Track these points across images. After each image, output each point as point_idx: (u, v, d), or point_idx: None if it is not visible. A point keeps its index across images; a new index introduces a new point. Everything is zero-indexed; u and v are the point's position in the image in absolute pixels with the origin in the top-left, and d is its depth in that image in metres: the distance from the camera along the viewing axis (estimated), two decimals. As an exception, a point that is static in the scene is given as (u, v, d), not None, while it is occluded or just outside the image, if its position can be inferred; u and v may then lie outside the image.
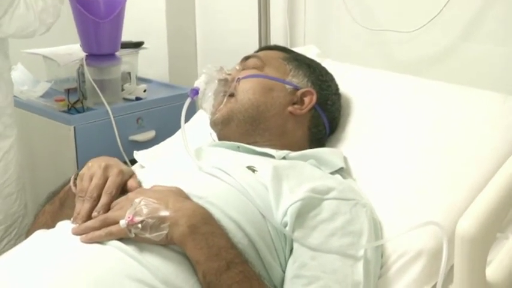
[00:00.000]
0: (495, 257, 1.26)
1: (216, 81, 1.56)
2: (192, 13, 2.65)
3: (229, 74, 1.61)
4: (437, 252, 1.26)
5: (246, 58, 1.67)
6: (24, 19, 1.87)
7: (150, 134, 2.16)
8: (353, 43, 2.13)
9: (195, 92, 1.54)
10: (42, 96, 2.29)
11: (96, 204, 1.28)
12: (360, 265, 1.22)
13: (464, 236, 1.09)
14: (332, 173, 1.46)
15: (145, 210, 1.17)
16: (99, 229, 1.20)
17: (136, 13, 2.42)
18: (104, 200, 1.27)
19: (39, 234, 1.31)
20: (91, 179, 1.30)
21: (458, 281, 1.12)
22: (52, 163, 2.28)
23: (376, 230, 1.35)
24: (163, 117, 2.26)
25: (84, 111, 2.15)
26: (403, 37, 1.99)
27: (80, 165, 2.10)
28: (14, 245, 1.70)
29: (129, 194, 1.28)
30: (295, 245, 1.25)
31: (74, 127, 2.11)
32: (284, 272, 1.26)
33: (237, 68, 1.64)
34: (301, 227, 1.26)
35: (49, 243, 1.26)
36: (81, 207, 1.27)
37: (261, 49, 1.80)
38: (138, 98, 2.29)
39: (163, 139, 1.88)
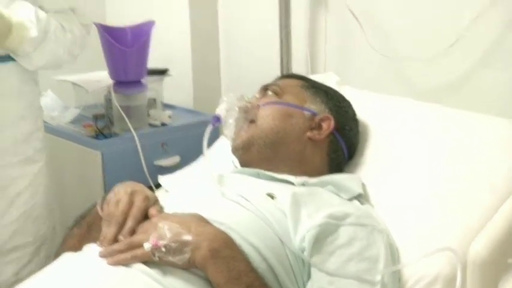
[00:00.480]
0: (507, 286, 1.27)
1: (237, 108, 1.60)
2: (216, 41, 2.69)
3: (249, 102, 1.64)
4: (453, 278, 1.27)
5: (266, 86, 1.71)
6: (54, 53, 1.91)
7: (175, 159, 2.19)
8: (372, 70, 2.14)
9: (217, 119, 1.58)
10: (71, 122, 2.33)
11: (122, 228, 1.31)
12: None
13: (476, 259, 1.12)
14: (350, 199, 1.48)
15: (168, 235, 1.19)
16: (124, 252, 1.23)
17: (161, 40, 2.44)
18: (129, 224, 1.30)
19: (67, 257, 1.35)
20: (117, 204, 1.34)
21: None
22: (80, 187, 2.31)
23: (393, 255, 1.36)
24: (188, 142, 2.26)
25: (111, 136, 2.19)
26: (421, 64, 2.00)
27: (107, 189, 2.13)
28: (43, 266, 1.69)
29: (153, 219, 1.31)
30: (313, 270, 1.27)
31: (102, 152, 2.16)
32: None
33: (257, 95, 1.68)
34: (319, 253, 1.28)
35: (76, 266, 1.30)
36: (108, 230, 1.31)
37: (280, 77, 1.83)
38: (163, 124, 2.32)
39: (187, 164, 1.91)
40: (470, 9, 1.81)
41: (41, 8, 1.84)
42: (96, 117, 2.25)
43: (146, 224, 1.31)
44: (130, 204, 1.35)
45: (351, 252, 1.29)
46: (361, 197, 1.51)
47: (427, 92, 2.01)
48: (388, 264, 1.33)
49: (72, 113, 2.36)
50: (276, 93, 1.65)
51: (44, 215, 1.96)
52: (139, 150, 2.13)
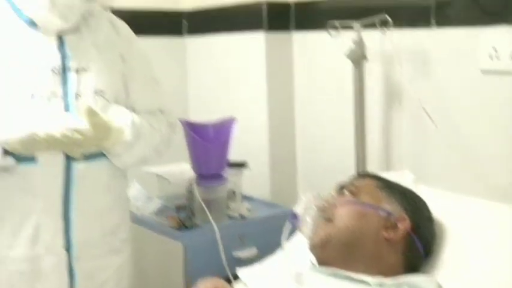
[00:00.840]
0: None
1: (314, 207, 1.64)
2: (292, 136, 2.73)
3: (326, 201, 1.67)
4: None
5: (342, 186, 1.74)
6: (144, 153, 2.01)
7: (252, 251, 2.18)
8: (447, 168, 2.14)
9: (294, 217, 1.65)
10: (154, 213, 2.38)
11: None
12: None
13: None
14: None
15: None
16: None
17: (241, 134, 2.46)
18: None
19: None
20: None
21: None
22: (161, 277, 2.33)
23: None
24: (265, 235, 2.27)
25: (192, 228, 2.24)
26: (497, 161, 1.97)
27: (187, 279, 2.21)
28: None
29: None
30: None
31: (183, 244, 2.20)
32: None
33: (334, 194, 1.71)
34: None
35: None
36: None
37: (355, 177, 1.86)
38: (241, 216, 2.35)
39: (264, 256, 1.93)
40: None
41: (133, 109, 1.96)
42: (178, 209, 2.32)
43: None
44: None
45: None
46: None
47: (505, 191, 1.95)
48: None
49: (156, 203, 2.41)
50: (352, 193, 1.68)
51: None
52: (219, 242, 2.15)
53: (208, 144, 2.31)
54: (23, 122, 1.78)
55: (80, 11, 1.90)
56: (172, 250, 2.24)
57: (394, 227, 1.62)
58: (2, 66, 1.83)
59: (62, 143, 1.78)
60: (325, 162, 2.60)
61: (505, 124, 1.98)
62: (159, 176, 2.47)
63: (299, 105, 2.74)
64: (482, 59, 1.99)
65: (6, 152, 1.77)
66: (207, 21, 3.01)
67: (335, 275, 1.55)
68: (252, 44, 2.73)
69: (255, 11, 2.68)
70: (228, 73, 2.88)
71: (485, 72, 1.99)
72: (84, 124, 1.82)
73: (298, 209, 1.66)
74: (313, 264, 1.66)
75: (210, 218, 2.21)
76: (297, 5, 2.69)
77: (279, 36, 2.69)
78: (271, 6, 2.65)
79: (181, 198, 2.39)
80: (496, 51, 1.96)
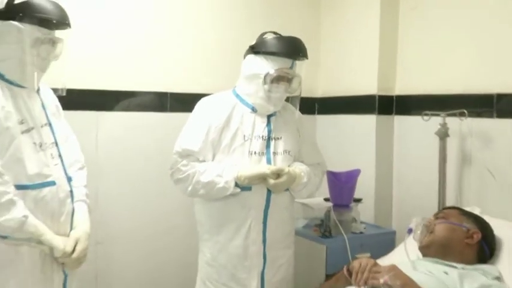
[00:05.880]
0: None
1: (422, 224, 1.90)
2: (390, 179, 2.84)
3: (429, 221, 1.91)
4: None
5: (437, 214, 1.99)
6: (310, 190, 2.18)
7: (367, 255, 2.30)
8: (500, 205, 2.25)
9: (410, 230, 1.93)
10: (304, 227, 2.60)
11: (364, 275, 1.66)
12: None
13: None
14: (492, 279, 1.70)
15: (392, 279, 1.57)
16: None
17: (359, 180, 2.60)
18: (365, 274, 1.66)
19: None
20: (360, 264, 1.70)
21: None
22: (310, 267, 2.44)
23: None
24: (374, 244, 2.47)
25: (331, 237, 2.45)
26: None
27: (326, 270, 2.40)
28: None
29: (384, 268, 1.65)
30: None
31: (326, 246, 2.42)
32: None
33: (432, 218, 1.95)
34: None
35: None
36: (359, 276, 1.65)
37: (444, 208, 2.09)
38: (360, 232, 2.55)
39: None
40: None
41: (303, 162, 2.17)
42: (320, 226, 2.52)
43: (382, 269, 1.65)
44: (367, 262, 1.71)
45: None
46: (499, 279, 1.73)
47: None
48: None
49: (302, 222, 2.63)
50: (443, 217, 1.92)
51: (290, 280, 2.22)
52: (348, 247, 2.36)
53: (342, 185, 2.52)
54: (244, 167, 2.02)
55: (283, 101, 2.13)
56: (317, 250, 2.43)
57: (471, 236, 1.85)
58: (230, 135, 2.06)
59: (268, 176, 1.99)
60: (411, 201, 2.71)
61: None
62: (304, 205, 2.62)
63: (397, 163, 2.84)
64: None
65: (236, 184, 2.02)
66: (333, 105, 3.07)
67: (436, 262, 1.79)
68: (366, 122, 2.81)
69: (370, 100, 2.79)
70: (348, 141, 2.93)
71: None
72: (279, 169, 2.04)
73: (412, 225, 1.91)
74: (420, 257, 1.89)
75: (342, 231, 2.43)
76: (397, 97, 2.81)
77: (385, 118, 2.80)
78: (380, 97, 2.78)
79: (317, 219, 2.57)
80: None
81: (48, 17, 1.69)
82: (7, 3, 1.67)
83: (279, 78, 2.05)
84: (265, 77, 2.03)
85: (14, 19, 1.65)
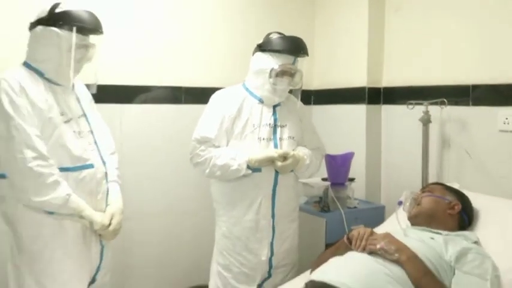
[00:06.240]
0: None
1: (410, 198, 1.91)
2: (379, 160, 2.82)
3: (416, 195, 1.92)
4: None
5: (424, 188, 2.00)
6: (311, 171, 2.22)
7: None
8: (476, 181, 2.27)
9: (400, 202, 1.92)
10: (305, 204, 2.61)
11: (363, 242, 1.65)
12: (489, 283, 1.53)
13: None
14: (472, 243, 1.73)
15: (387, 245, 1.58)
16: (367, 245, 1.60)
17: (353, 162, 2.60)
18: (365, 240, 1.65)
19: (336, 258, 1.67)
20: (359, 232, 1.70)
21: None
22: (311, 238, 2.47)
23: (495, 269, 1.62)
24: (366, 217, 2.48)
25: (329, 211, 2.49)
26: (502, 176, 2.12)
27: (326, 240, 2.42)
28: (295, 277, 2.04)
29: (380, 235, 1.66)
30: (456, 272, 1.58)
31: (325, 219, 2.45)
32: (449, 284, 1.55)
33: (419, 192, 1.96)
34: (459, 263, 1.59)
35: (349, 256, 1.66)
36: (358, 243, 1.65)
37: (430, 184, 2.08)
38: (354, 207, 2.58)
39: None
40: None
41: (305, 147, 2.20)
42: (319, 202, 2.56)
43: (378, 237, 1.65)
44: (365, 230, 1.71)
45: (475, 264, 1.58)
46: (477, 243, 1.75)
47: (507, 192, 2.09)
48: (494, 271, 1.59)
49: (303, 199, 2.64)
50: (429, 191, 1.93)
51: (295, 250, 2.27)
52: (344, 220, 2.41)
53: (338, 166, 2.55)
54: (255, 151, 2.06)
55: (287, 93, 2.16)
56: (318, 223, 2.47)
57: (453, 208, 1.86)
58: (241, 124, 2.10)
59: (276, 159, 2.03)
60: (398, 179, 2.72)
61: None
62: (305, 184, 2.64)
63: (384, 146, 2.83)
64: (499, 123, 2.17)
65: (248, 166, 2.05)
66: (327, 97, 3.05)
67: (423, 230, 1.80)
68: (357, 111, 2.81)
69: (360, 92, 2.79)
70: (341, 128, 2.90)
71: (502, 131, 2.17)
72: (285, 152, 2.07)
73: (402, 198, 1.92)
74: (409, 226, 1.89)
75: (339, 206, 2.47)
76: (384, 88, 2.80)
77: (374, 107, 2.80)
78: (369, 89, 2.77)
79: (316, 197, 2.60)
80: (507, 118, 2.14)
81: (84, 25, 1.74)
82: (49, 12, 1.72)
83: (283, 73, 2.08)
84: (270, 71, 2.06)
85: (54, 26, 1.71)
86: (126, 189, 2.01)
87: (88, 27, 1.74)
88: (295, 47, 2.08)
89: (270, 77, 2.06)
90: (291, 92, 2.23)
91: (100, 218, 1.77)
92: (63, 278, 1.73)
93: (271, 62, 2.06)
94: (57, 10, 1.70)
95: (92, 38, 1.81)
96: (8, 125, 1.62)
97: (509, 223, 1.84)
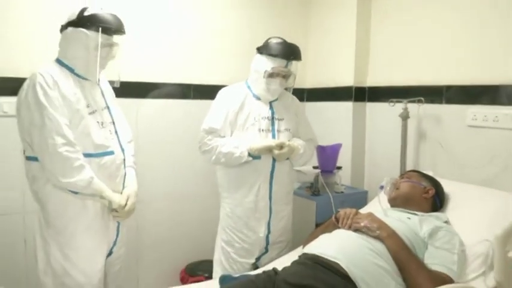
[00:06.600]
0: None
1: (391, 183, 1.93)
2: (363, 154, 2.79)
3: (395, 180, 1.93)
4: (488, 253, 1.57)
5: (402, 175, 2.02)
6: (305, 159, 2.21)
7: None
8: (447, 169, 2.25)
9: (382, 187, 1.95)
10: (298, 188, 2.62)
11: (349, 221, 1.66)
12: (456, 256, 1.56)
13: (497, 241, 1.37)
14: (443, 222, 1.74)
15: (370, 222, 1.61)
16: (352, 223, 1.62)
17: (341, 151, 2.61)
18: (350, 219, 1.68)
19: (325, 235, 1.70)
20: (345, 212, 1.73)
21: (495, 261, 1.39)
22: (303, 219, 2.45)
23: (462, 244, 1.65)
24: (352, 201, 2.47)
25: (319, 195, 2.51)
26: (472, 168, 2.11)
27: (316, 220, 2.43)
28: (288, 253, 2.08)
29: (364, 215, 1.68)
30: (429, 247, 1.61)
31: (316, 203, 2.47)
32: (423, 257, 1.58)
33: (398, 178, 1.97)
34: (431, 239, 1.63)
35: (336, 233, 1.69)
36: (344, 222, 1.68)
37: (408, 171, 2.08)
38: (342, 192, 2.57)
39: None
40: None
41: (299, 138, 2.21)
42: (310, 187, 2.57)
43: (362, 216, 1.68)
44: (350, 211, 1.73)
45: (445, 240, 1.61)
46: (447, 223, 1.76)
47: (474, 180, 2.10)
48: (460, 246, 1.62)
49: (296, 184, 2.60)
50: (407, 177, 1.94)
51: (289, 229, 2.27)
52: (332, 203, 2.42)
53: (327, 156, 2.57)
54: (255, 141, 2.07)
55: (279, 92, 2.16)
56: (309, 205, 2.49)
57: (427, 192, 1.88)
58: (244, 117, 2.10)
59: (273, 148, 2.03)
60: (379, 168, 2.71)
61: (475, 150, 2.14)
62: (298, 171, 2.53)
63: (368, 139, 2.82)
64: (468, 119, 2.18)
65: (249, 154, 2.06)
66: (319, 94, 3.03)
67: (401, 211, 1.82)
68: (344, 108, 2.81)
69: (348, 91, 2.78)
70: (331, 123, 2.88)
71: (470, 126, 2.17)
72: (282, 142, 2.08)
73: (383, 183, 1.92)
74: (389, 207, 1.91)
75: (328, 191, 2.50)
76: (369, 88, 2.79)
77: (359, 104, 2.79)
78: (356, 88, 2.76)
79: (308, 183, 2.61)
80: (475, 115, 2.14)
81: (109, 26, 1.76)
82: (78, 15, 1.75)
83: (275, 75, 2.09)
84: (264, 72, 2.07)
85: (83, 27, 1.73)
86: (140, 175, 2.03)
87: (112, 28, 1.75)
88: (287, 52, 2.08)
89: (264, 77, 2.07)
90: (287, 89, 2.24)
91: (118, 199, 1.79)
92: (84, 250, 1.76)
93: (266, 64, 2.07)
94: (85, 13, 1.73)
95: (116, 38, 1.83)
96: (41, 114, 1.64)
97: (474, 206, 1.86)
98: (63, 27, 1.77)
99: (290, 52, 2.08)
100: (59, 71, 1.74)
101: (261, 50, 2.11)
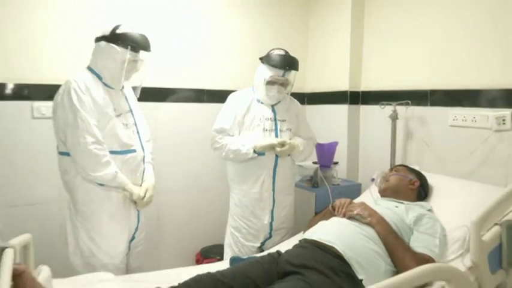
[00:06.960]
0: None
1: (382, 176, 1.95)
2: (357, 151, 2.77)
3: (385, 174, 1.95)
4: (465, 238, 1.56)
5: (391, 168, 2.02)
6: (304, 156, 2.21)
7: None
8: (432, 163, 2.25)
9: (373, 179, 1.99)
10: (299, 181, 2.56)
11: (344, 209, 1.67)
12: (437, 240, 1.57)
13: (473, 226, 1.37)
14: (427, 210, 1.76)
15: (362, 210, 1.62)
16: (346, 212, 1.63)
17: (337, 149, 2.58)
18: (345, 207, 1.69)
19: (323, 222, 1.71)
20: (341, 202, 1.75)
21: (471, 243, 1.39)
22: (303, 209, 2.45)
23: (443, 230, 1.66)
24: (348, 192, 2.48)
25: (318, 187, 2.50)
26: (455, 163, 2.11)
27: (315, 210, 2.41)
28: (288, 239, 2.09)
29: (357, 204, 1.69)
30: (414, 231, 1.63)
31: (315, 194, 2.45)
32: (409, 241, 1.59)
33: (388, 172, 1.97)
34: (416, 225, 1.64)
35: (332, 221, 1.70)
36: (340, 210, 1.69)
37: (397, 165, 2.06)
38: (338, 184, 2.55)
39: None
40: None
41: (300, 137, 2.22)
42: (310, 180, 2.56)
43: (355, 205, 1.69)
44: (345, 200, 1.74)
45: (428, 226, 1.63)
46: (430, 211, 1.78)
47: (456, 173, 2.08)
48: (442, 231, 1.63)
49: (298, 177, 2.57)
50: (396, 171, 1.95)
51: (292, 217, 2.29)
52: (330, 194, 2.36)
53: (325, 152, 2.55)
54: (259, 139, 2.09)
55: (279, 97, 2.17)
56: (309, 196, 2.48)
57: (413, 184, 1.88)
58: (250, 118, 2.12)
59: (276, 145, 2.06)
60: (372, 163, 2.69)
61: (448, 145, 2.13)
62: (300, 166, 2.57)
63: (362, 137, 2.81)
64: (450, 120, 2.17)
65: (254, 151, 2.08)
66: (318, 98, 3.02)
67: (390, 200, 1.84)
68: (341, 110, 2.80)
69: (344, 95, 2.78)
70: (329, 123, 2.87)
71: (452, 126, 2.17)
72: (283, 141, 2.10)
73: (374, 176, 1.96)
74: (379, 197, 1.92)
75: (326, 183, 2.46)
76: (362, 92, 2.77)
77: (354, 107, 2.77)
78: (351, 92, 2.75)
79: (308, 176, 2.59)
80: (456, 116, 2.14)
81: (137, 45, 1.79)
82: (111, 31, 1.78)
83: (273, 82, 2.10)
84: (264, 80, 2.09)
85: (114, 43, 1.76)
86: (159, 170, 2.05)
87: (140, 46, 1.79)
88: (285, 63, 2.08)
89: (264, 84, 2.09)
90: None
91: (138, 191, 1.82)
92: (108, 234, 1.79)
93: (265, 72, 2.08)
94: (118, 31, 1.75)
95: (141, 54, 1.85)
96: (75, 115, 1.67)
97: (455, 196, 1.87)
98: (97, 39, 1.79)
99: (287, 63, 2.07)
100: (90, 78, 1.77)
101: (262, 59, 2.13)
